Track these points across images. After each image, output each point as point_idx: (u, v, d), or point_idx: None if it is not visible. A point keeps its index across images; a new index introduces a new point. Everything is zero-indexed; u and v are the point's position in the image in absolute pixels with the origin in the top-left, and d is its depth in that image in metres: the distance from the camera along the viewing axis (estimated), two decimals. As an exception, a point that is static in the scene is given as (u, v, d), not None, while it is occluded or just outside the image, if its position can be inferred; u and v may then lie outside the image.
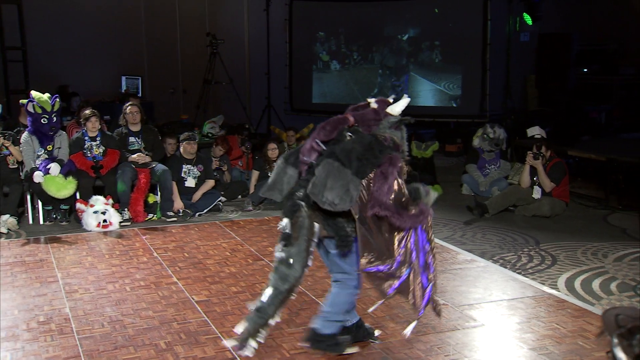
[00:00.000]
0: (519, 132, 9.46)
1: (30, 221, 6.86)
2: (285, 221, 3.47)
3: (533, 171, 7.28)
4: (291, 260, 3.43)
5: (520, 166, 8.40)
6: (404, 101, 3.63)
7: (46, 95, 6.76)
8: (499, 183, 8.26)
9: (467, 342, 3.96)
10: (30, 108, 6.67)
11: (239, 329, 3.53)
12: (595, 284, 5.06)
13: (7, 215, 6.50)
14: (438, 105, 11.47)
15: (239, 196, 8.02)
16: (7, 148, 6.73)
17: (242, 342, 3.50)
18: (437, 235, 6.38)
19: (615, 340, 1.63)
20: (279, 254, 3.49)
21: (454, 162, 10.55)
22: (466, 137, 10.14)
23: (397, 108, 3.60)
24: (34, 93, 6.75)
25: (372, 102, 3.63)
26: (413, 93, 11.59)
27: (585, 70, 11.88)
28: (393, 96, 3.74)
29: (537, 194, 7.22)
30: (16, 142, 6.77)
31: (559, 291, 4.88)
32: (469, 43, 10.97)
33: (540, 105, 11.70)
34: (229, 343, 3.66)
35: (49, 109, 6.68)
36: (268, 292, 3.49)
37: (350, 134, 3.53)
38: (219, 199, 7.49)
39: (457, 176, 8.88)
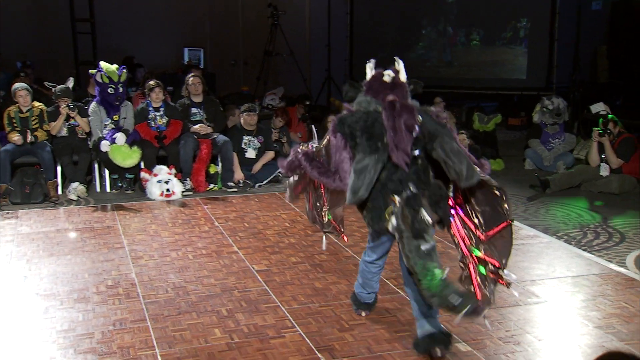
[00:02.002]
0: (587, 105, 9.13)
1: (98, 189, 7.10)
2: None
3: (601, 148, 7.02)
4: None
5: (587, 141, 8.13)
6: (402, 66, 3.49)
7: (114, 66, 6.92)
8: (565, 157, 8.02)
9: (529, 318, 3.89)
10: (98, 78, 6.85)
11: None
12: (666, 263, 4.87)
13: (77, 183, 6.74)
14: (502, 77, 11.17)
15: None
16: (74, 119, 6.94)
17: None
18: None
19: None
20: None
21: (517, 135, 10.29)
22: (530, 110, 9.84)
23: (405, 76, 3.47)
24: (102, 64, 6.92)
25: (388, 75, 3.40)
26: (476, 64, 11.32)
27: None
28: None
29: (604, 171, 6.97)
30: (83, 114, 6.97)
31: (627, 269, 4.72)
32: (536, 12, 10.60)
33: (611, 78, 11.23)
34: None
35: (116, 79, 6.84)
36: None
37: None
38: (279, 170, 7.50)
39: (520, 150, 8.67)
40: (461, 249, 3.43)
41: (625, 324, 3.80)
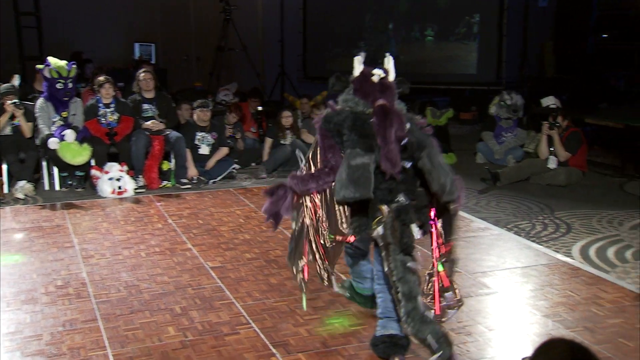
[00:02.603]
0: (536, 99, 9.35)
1: (47, 187, 6.92)
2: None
3: (550, 141, 7.21)
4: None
5: (536, 135, 8.33)
6: (392, 64, 3.42)
7: (63, 62, 6.75)
8: (515, 151, 8.20)
9: (481, 309, 3.97)
10: (46, 73, 6.67)
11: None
12: (610, 252, 5.03)
13: (24, 182, 6.55)
14: (453, 72, 11.35)
15: (253, 163, 8.03)
16: (17, 119, 6.73)
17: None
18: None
19: None
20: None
21: (468, 130, 10.46)
22: (481, 104, 10.04)
23: (394, 76, 3.38)
24: (50, 59, 6.75)
25: (377, 74, 3.30)
26: (429, 60, 11.46)
27: (605, 35, 11.67)
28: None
29: (552, 163, 7.15)
30: (29, 117, 6.75)
31: (573, 259, 4.86)
32: (486, 8, 10.79)
33: (557, 72, 11.53)
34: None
35: (65, 74, 6.68)
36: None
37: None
38: (233, 166, 7.51)
39: (472, 144, 8.82)
40: (433, 262, 3.33)
41: (571, 312, 3.91)
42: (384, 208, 3.14)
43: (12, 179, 6.71)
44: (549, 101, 7.84)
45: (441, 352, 2.93)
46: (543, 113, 7.92)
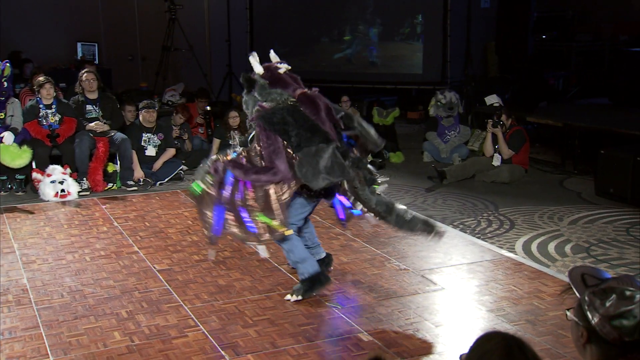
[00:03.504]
0: (480, 98, 9.56)
1: (-15, 192, 6.69)
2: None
3: (494, 139, 7.37)
4: None
5: (481, 133, 8.51)
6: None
7: (-4, 61, 6.54)
8: (460, 149, 8.36)
9: (428, 306, 4.03)
10: (-21, 74, 6.45)
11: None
12: (551, 247, 5.19)
13: (-40, 186, 6.33)
14: (399, 72, 11.47)
15: (200, 165, 7.92)
16: None
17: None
18: (399, 202, 6.42)
19: (587, 299, 1.67)
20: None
21: (415, 129, 10.61)
22: (428, 104, 10.18)
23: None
24: (-17, 59, 6.53)
25: (284, 67, 3.97)
26: (375, 60, 11.56)
27: (544, 36, 12.02)
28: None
29: (496, 161, 7.32)
30: None
31: (516, 254, 4.99)
32: (430, 9, 10.96)
33: (500, 72, 11.81)
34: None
35: (-1, 75, 6.48)
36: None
37: None
38: (180, 167, 7.41)
39: (419, 143, 8.95)
40: None
41: (514, 306, 4.02)
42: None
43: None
44: (493, 99, 8.02)
45: (434, 229, 3.93)
46: (487, 112, 8.10)
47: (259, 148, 3.76)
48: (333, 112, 3.82)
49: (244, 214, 3.78)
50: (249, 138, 3.97)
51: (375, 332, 3.65)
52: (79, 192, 6.54)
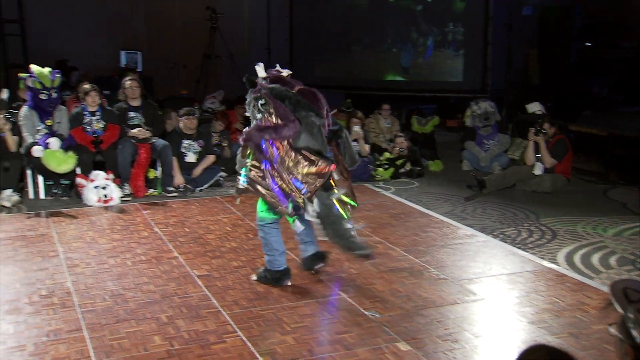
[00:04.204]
0: (521, 106, 9.42)
1: (31, 196, 6.86)
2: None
3: (536, 147, 7.26)
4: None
5: (521, 141, 8.39)
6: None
7: (47, 70, 6.69)
8: (500, 158, 8.26)
9: (467, 316, 3.98)
10: (29, 83, 6.63)
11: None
12: (595, 258, 5.07)
13: (10, 190, 6.50)
14: (439, 80, 11.41)
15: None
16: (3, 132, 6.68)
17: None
18: (437, 210, 6.41)
19: (631, 316, 1.59)
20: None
21: (454, 137, 10.52)
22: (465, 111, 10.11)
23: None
24: (33, 67, 6.70)
25: (286, 72, 4.31)
26: (415, 68, 11.52)
27: (588, 44, 11.78)
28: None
29: (538, 170, 7.21)
30: (15, 131, 6.71)
31: (558, 265, 4.89)
32: (470, 17, 10.88)
33: (541, 80, 11.64)
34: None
35: (48, 85, 6.63)
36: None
37: None
38: (220, 174, 7.49)
39: (458, 151, 8.87)
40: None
41: (556, 318, 3.94)
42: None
43: (-4, 188, 6.65)
44: (535, 107, 7.90)
45: (359, 252, 4.16)
46: (528, 120, 7.99)
47: (269, 114, 4.08)
48: (328, 110, 4.24)
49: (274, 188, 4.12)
50: (260, 106, 4.18)
51: (414, 341, 3.62)
52: (121, 197, 6.66)
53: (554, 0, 11.39)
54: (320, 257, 4.60)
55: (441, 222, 6.03)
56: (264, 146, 4.04)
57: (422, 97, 11.48)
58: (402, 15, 11.58)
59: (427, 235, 5.62)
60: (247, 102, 4.33)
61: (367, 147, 8.02)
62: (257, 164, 4.14)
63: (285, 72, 4.33)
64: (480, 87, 10.75)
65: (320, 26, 12.25)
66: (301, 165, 4.03)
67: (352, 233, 4.12)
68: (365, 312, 4.00)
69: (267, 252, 4.41)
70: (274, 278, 4.41)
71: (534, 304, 4.14)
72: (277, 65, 4.48)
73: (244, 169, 4.19)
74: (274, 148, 4.05)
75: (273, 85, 4.15)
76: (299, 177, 4.03)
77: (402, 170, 7.97)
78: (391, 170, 7.91)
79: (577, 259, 5.07)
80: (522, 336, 3.72)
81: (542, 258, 5.05)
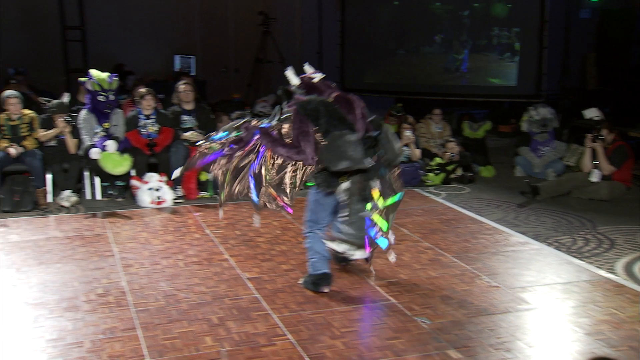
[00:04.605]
0: (577, 112, 9.19)
1: (88, 197, 7.06)
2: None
3: (593, 154, 7.06)
4: None
5: (577, 147, 8.17)
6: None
7: (105, 74, 6.90)
8: (555, 164, 8.06)
9: (520, 325, 3.90)
10: (88, 86, 6.83)
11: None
12: (655, 270, 4.90)
13: (69, 191, 6.70)
14: (492, 84, 11.23)
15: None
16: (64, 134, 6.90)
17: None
18: (489, 217, 6.31)
19: None
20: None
21: (507, 142, 10.33)
22: (521, 117, 9.91)
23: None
24: (93, 71, 6.90)
25: (318, 77, 4.25)
26: (467, 72, 11.37)
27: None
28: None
29: (595, 177, 7.00)
30: (75, 134, 6.92)
31: (616, 275, 4.74)
32: (525, 20, 10.67)
33: (599, 85, 11.32)
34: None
35: (106, 87, 6.82)
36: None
37: None
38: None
39: (511, 157, 8.71)
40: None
41: (615, 330, 3.81)
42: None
43: (56, 188, 6.87)
44: (592, 113, 7.69)
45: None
46: (585, 126, 7.77)
47: (288, 129, 4.07)
48: (366, 114, 4.14)
49: (252, 183, 4.17)
50: (282, 117, 4.20)
51: (465, 349, 3.56)
52: (173, 199, 6.78)
53: (613, 3, 11.07)
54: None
55: (493, 228, 5.93)
56: (262, 150, 4.09)
57: (474, 102, 11.32)
58: (453, 19, 11.45)
59: (479, 242, 5.54)
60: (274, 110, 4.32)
61: (417, 152, 7.96)
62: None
63: (318, 77, 4.29)
64: (535, 92, 10.52)
65: (371, 30, 12.22)
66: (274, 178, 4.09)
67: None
68: (416, 319, 3.96)
69: (310, 255, 4.42)
70: (313, 282, 4.39)
71: (590, 315, 4.02)
72: (309, 67, 4.39)
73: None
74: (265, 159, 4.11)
75: (309, 99, 4.08)
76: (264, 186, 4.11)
77: (453, 176, 7.87)
78: (442, 175, 7.83)
79: (636, 269, 4.90)
80: (578, 347, 3.61)
81: (599, 267, 4.90)
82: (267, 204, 4.16)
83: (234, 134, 4.23)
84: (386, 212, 4.06)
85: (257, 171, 4.12)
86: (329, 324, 3.89)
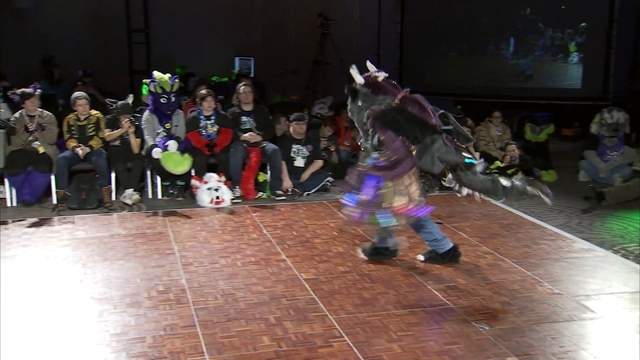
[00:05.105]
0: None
1: (150, 195, 7.23)
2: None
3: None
4: None
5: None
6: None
7: (167, 76, 7.05)
8: (622, 170, 7.79)
9: (584, 334, 3.78)
10: (151, 88, 7.00)
11: None
12: None
13: (131, 190, 6.89)
14: (555, 87, 10.94)
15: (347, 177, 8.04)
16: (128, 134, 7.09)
17: None
18: (551, 222, 6.15)
19: None
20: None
21: (570, 146, 10.05)
22: (585, 120, 9.61)
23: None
24: (155, 73, 7.07)
25: (382, 75, 4.44)
26: (530, 74, 11.12)
27: None
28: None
29: (664, 183, 6.74)
30: (138, 134, 7.11)
31: (687, 286, 4.54)
32: (592, 20, 10.35)
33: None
34: None
35: (168, 89, 6.98)
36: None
37: None
38: (327, 179, 7.56)
39: (574, 161, 8.47)
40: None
41: (686, 343, 3.65)
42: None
43: (119, 187, 7.07)
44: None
45: (542, 189, 4.37)
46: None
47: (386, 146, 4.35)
48: (434, 110, 4.36)
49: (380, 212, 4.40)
50: (376, 142, 4.45)
51: (526, 357, 3.48)
52: (232, 199, 6.87)
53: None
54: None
55: (555, 234, 5.77)
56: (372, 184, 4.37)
57: (536, 105, 11.06)
58: (515, 19, 11.22)
59: (540, 247, 5.40)
60: (349, 108, 4.52)
61: (477, 155, 7.82)
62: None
63: (382, 76, 4.41)
64: (602, 94, 10.18)
65: (430, 32, 12.11)
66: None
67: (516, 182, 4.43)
68: (475, 324, 3.89)
69: (436, 239, 4.88)
70: (450, 257, 4.91)
71: (659, 326, 3.86)
72: (371, 64, 4.56)
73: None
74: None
75: (384, 111, 4.28)
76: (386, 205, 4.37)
77: (513, 180, 7.70)
78: (502, 179, 7.66)
79: None
80: (645, 360, 3.48)
81: (669, 277, 4.71)
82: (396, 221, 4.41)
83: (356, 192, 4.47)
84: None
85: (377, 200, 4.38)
86: (386, 327, 3.86)
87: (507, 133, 8.52)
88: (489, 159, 8.03)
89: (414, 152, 4.33)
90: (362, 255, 5.03)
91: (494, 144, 8.35)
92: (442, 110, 4.51)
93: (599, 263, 5.02)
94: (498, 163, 7.86)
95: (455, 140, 4.48)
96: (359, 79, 4.40)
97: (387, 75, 4.41)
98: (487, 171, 7.70)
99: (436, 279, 4.62)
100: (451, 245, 4.93)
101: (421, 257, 4.98)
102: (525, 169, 7.85)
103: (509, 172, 7.71)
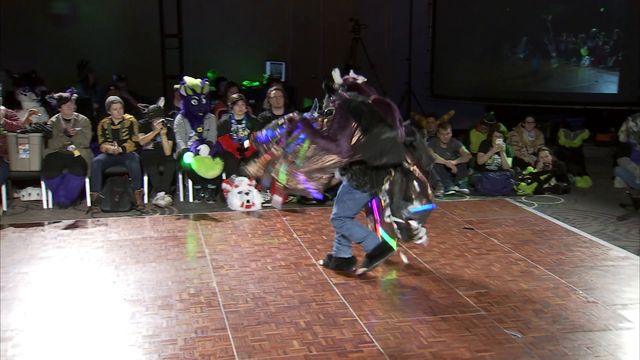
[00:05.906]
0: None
1: (181, 199, 7.30)
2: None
3: None
4: None
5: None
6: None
7: (197, 80, 7.13)
8: (659, 176, 7.62)
9: (620, 344, 3.70)
10: (182, 90, 7.07)
11: None
12: None
13: (163, 193, 6.97)
14: (589, 91, 10.75)
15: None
16: (160, 136, 7.17)
17: None
18: (585, 229, 6.04)
19: None
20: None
21: (605, 152, 9.87)
22: (621, 125, 9.43)
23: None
24: (186, 78, 7.15)
25: (361, 79, 4.56)
26: (563, 78, 10.96)
27: None
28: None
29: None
30: (170, 136, 7.19)
31: None
32: (628, 22, 10.15)
33: None
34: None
35: (198, 91, 7.04)
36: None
37: None
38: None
39: (609, 167, 8.31)
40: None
41: None
42: (392, 171, 4.43)
43: (151, 190, 7.15)
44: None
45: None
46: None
47: (327, 123, 4.41)
48: (401, 120, 4.44)
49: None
50: (326, 110, 4.58)
51: (560, 367, 3.42)
52: (262, 203, 6.90)
53: None
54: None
55: (590, 241, 5.67)
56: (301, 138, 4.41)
57: (570, 110, 10.89)
58: (548, 23, 11.06)
59: (574, 254, 5.31)
60: (324, 105, 4.70)
61: (509, 161, 7.73)
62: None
63: (361, 79, 4.56)
64: (638, 100, 9.98)
65: (462, 36, 12.01)
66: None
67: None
68: (507, 331, 3.84)
69: (359, 240, 4.82)
70: (376, 256, 4.77)
71: (698, 337, 3.76)
72: (352, 71, 4.73)
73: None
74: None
75: (351, 97, 4.38)
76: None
77: (546, 186, 7.59)
78: (534, 184, 7.57)
79: None
80: (684, 371, 3.39)
81: None
82: (288, 184, 4.47)
83: (277, 131, 4.55)
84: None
85: (289, 157, 4.44)
86: (417, 332, 3.83)
87: (540, 138, 8.41)
88: (521, 164, 7.93)
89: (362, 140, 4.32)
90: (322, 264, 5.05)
91: (527, 150, 8.24)
92: (412, 126, 4.61)
93: (636, 271, 4.91)
94: (530, 169, 7.76)
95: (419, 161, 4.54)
96: (337, 79, 4.59)
97: (365, 79, 4.59)
98: (520, 176, 7.65)
99: (468, 285, 4.57)
100: (350, 255, 4.92)
101: (321, 262, 5.05)
102: (559, 175, 7.74)
103: (542, 177, 7.61)
